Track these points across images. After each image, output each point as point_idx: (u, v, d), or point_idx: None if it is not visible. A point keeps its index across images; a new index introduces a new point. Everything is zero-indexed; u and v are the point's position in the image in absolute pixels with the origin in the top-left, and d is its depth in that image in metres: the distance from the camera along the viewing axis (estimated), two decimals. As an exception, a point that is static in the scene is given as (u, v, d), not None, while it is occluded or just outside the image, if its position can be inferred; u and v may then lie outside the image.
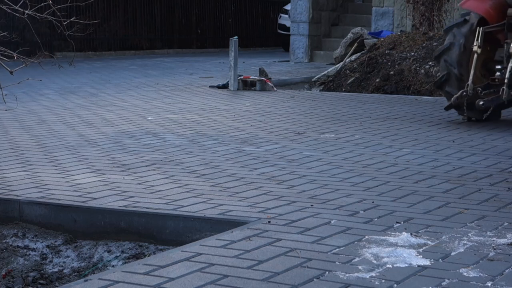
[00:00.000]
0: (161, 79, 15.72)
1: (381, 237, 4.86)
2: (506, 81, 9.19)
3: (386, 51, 14.01)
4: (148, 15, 25.30)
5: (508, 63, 9.34)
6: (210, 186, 6.24)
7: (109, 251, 5.49)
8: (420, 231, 5.01)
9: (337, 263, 4.38)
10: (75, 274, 5.40)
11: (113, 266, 5.31)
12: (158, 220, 5.45)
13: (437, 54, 10.00)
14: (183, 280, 4.10)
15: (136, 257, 5.32)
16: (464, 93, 9.32)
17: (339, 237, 4.87)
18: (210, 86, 14.08)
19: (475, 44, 9.43)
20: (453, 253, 4.56)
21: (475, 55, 9.44)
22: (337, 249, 4.61)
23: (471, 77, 9.36)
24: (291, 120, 9.94)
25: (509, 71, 9.21)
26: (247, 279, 4.11)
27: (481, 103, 9.20)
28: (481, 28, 9.43)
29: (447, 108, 9.97)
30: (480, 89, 9.37)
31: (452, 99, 9.42)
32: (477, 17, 9.70)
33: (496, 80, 9.41)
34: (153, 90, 13.64)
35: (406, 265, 4.36)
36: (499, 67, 9.43)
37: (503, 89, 9.17)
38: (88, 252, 5.54)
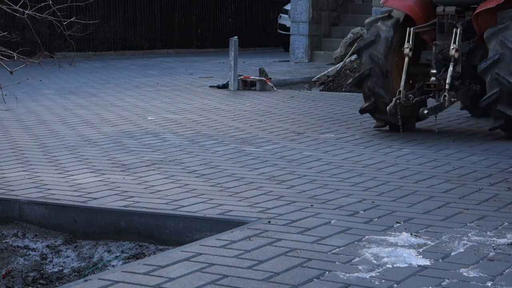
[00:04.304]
0: (161, 79, 15.71)
1: (381, 237, 4.86)
2: (447, 86, 8.32)
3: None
4: (148, 15, 25.30)
5: (441, 66, 8.55)
6: (210, 186, 6.24)
7: (109, 251, 5.49)
8: (420, 231, 5.01)
9: (337, 263, 4.38)
10: (75, 274, 5.39)
11: (113, 266, 5.31)
12: (158, 220, 5.45)
13: (360, 47, 8.93)
14: (183, 280, 4.10)
15: (136, 257, 5.32)
16: (398, 100, 8.24)
17: (339, 237, 4.87)
18: (210, 86, 14.08)
19: (406, 46, 8.44)
20: (453, 253, 4.56)
21: (406, 59, 8.46)
22: (337, 249, 4.61)
23: (403, 83, 8.35)
24: (291, 120, 9.93)
25: (450, 76, 8.33)
26: (247, 279, 4.11)
27: (425, 111, 8.08)
28: (411, 29, 8.54)
29: (363, 111, 9.03)
30: (412, 96, 8.42)
31: (388, 108, 8.23)
32: (401, 14, 8.86)
33: (432, 86, 8.46)
34: (153, 90, 13.64)
35: (406, 265, 4.36)
36: (434, 71, 8.45)
37: (445, 95, 8.26)
38: (88, 252, 5.54)
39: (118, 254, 5.44)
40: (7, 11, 6.38)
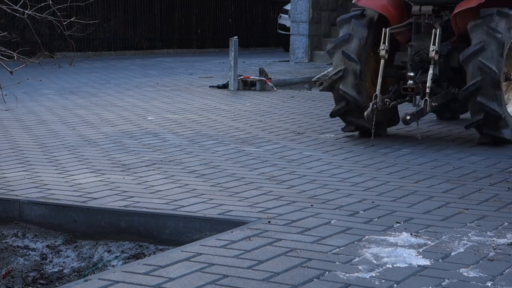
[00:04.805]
0: (161, 79, 15.71)
1: (381, 237, 4.86)
2: (428, 90, 7.87)
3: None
4: (148, 15, 25.30)
5: (417, 69, 8.13)
6: (210, 186, 6.24)
7: (109, 251, 5.49)
8: (420, 231, 5.01)
9: (337, 263, 4.38)
10: (75, 274, 5.39)
11: (113, 266, 5.31)
12: (158, 220, 5.45)
13: (333, 46, 8.45)
14: (183, 280, 4.10)
15: (136, 257, 5.32)
16: (375, 105, 7.79)
17: (339, 237, 4.87)
18: (210, 86, 14.08)
19: (382, 47, 8.04)
20: (453, 253, 4.56)
21: (382, 61, 8.05)
22: (337, 249, 4.61)
23: (379, 87, 7.90)
24: (291, 120, 9.93)
25: (431, 79, 7.90)
26: (247, 279, 4.11)
27: (408, 117, 7.63)
28: (387, 29, 8.14)
29: (333, 115, 8.58)
30: (388, 100, 8.02)
31: (366, 114, 7.79)
32: (374, 14, 8.44)
33: (409, 90, 8.02)
34: (153, 90, 13.64)
35: (406, 265, 4.36)
36: (411, 74, 8.05)
37: (426, 100, 7.82)
38: (88, 252, 5.54)
39: (118, 254, 5.44)
40: (7, 11, 6.38)
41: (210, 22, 27.41)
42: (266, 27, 29.11)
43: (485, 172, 6.86)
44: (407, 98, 8.25)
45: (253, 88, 13.63)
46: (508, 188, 6.27)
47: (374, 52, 8.35)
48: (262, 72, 14.51)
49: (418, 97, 8.06)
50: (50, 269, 5.45)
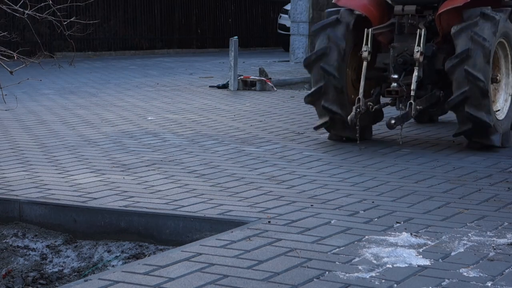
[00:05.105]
0: (161, 79, 15.71)
1: (381, 237, 4.86)
2: (412, 93, 7.54)
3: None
4: (148, 15, 25.30)
5: (400, 71, 7.82)
6: (210, 186, 6.24)
7: (109, 251, 5.49)
8: (420, 231, 5.01)
9: (337, 263, 4.38)
10: (75, 274, 5.39)
11: (113, 266, 5.31)
12: (158, 220, 5.45)
13: (311, 60, 8.11)
14: (183, 280, 4.10)
15: (136, 257, 5.32)
16: (358, 109, 7.54)
17: (339, 237, 4.87)
18: (210, 86, 14.08)
19: (364, 49, 7.73)
20: (453, 253, 4.56)
21: (365, 63, 7.75)
22: (337, 249, 4.61)
23: (361, 90, 7.63)
24: (291, 120, 9.93)
25: (416, 82, 7.58)
26: (247, 279, 4.11)
27: (392, 121, 7.31)
28: (369, 30, 7.80)
29: (318, 128, 8.40)
30: (371, 104, 7.76)
31: (349, 118, 7.54)
32: (351, 17, 8.07)
33: (393, 93, 7.70)
34: (153, 90, 13.64)
35: (406, 265, 4.36)
36: (395, 76, 7.70)
37: (411, 103, 7.50)
38: (88, 252, 5.54)
39: (118, 254, 5.44)
40: (7, 11, 6.39)
41: (210, 22, 27.41)
42: (266, 27, 29.12)
43: (485, 172, 6.86)
44: (389, 101, 8.00)
45: (253, 88, 13.63)
46: (508, 188, 6.27)
47: (355, 53, 8.08)
48: (262, 72, 14.51)
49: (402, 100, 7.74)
50: (50, 269, 5.45)
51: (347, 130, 7.99)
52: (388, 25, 8.10)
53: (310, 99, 8.21)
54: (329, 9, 8.43)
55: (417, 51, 7.63)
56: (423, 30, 7.74)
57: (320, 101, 8.08)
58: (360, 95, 7.60)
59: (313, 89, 8.15)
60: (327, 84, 7.99)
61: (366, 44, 7.76)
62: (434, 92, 8.05)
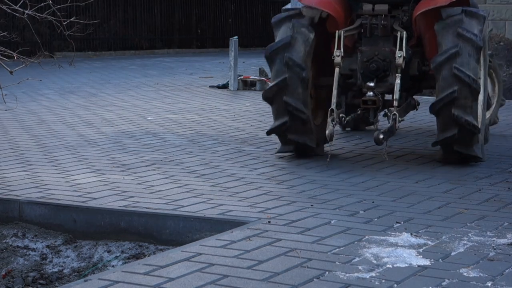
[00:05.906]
0: (161, 79, 15.71)
1: (381, 237, 4.86)
2: (396, 103, 6.73)
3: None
4: (148, 15, 25.31)
5: (370, 78, 7.03)
6: (210, 186, 6.24)
7: (109, 251, 5.49)
8: (420, 231, 5.01)
9: (337, 263, 4.37)
10: (75, 274, 5.39)
11: (113, 266, 5.31)
12: (158, 220, 5.45)
13: (273, 50, 7.14)
14: (183, 280, 4.10)
15: (136, 257, 5.32)
16: (333, 122, 6.65)
17: (339, 237, 4.87)
18: (210, 86, 14.08)
19: (337, 54, 6.85)
20: (453, 253, 4.56)
21: (337, 69, 6.88)
22: (337, 249, 4.61)
23: (334, 100, 6.76)
24: (291, 120, 9.92)
25: (398, 91, 6.76)
26: (247, 279, 4.11)
27: (381, 136, 6.49)
28: (341, 32, 6.93)
29: (271, 132, 7.33)
30: (344, 115, 6.84)
31: (327, 134, 6.68)
32: (315, 14, 7.22)
33: (369, 103, 6.93)
34: (153, 90, 13.64)
35: (406, 265, 4.36)
36: (371, 84, 6.90)
37: (394, 114, 6.68)
38: (88, 252, 5.54)
39: (118, 254, 5.44)
40: (7, 11, 6.39)
41: (210, 22, 27.42)
42: (266, 27, 29.11)
43: (485, 172, 6.86)
44: (358, 112, 7.08)
45: (253, 88, 13.63)
46: (508, 188, 6.27)
47: (313, 58, 7.24)
48: (262, 72, 14.51)
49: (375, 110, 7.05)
50: (50, 269, 5.45)
51: (307, 136, 7.12)
52: (358, 27, 7.22)
53: (269, 95, 7.25)
54: (285, 7, 7.80)
55: (400, 56, 6.80)
56: (404, 32, 6.91)
57: (281, 96, 7.11)
58: (333, 106, 6.73)
59: (274, 82, 7.18)
60: (291, 77, 7.04)
61: (339, 48, 6.89)
62: (410, 100, 7.52)
